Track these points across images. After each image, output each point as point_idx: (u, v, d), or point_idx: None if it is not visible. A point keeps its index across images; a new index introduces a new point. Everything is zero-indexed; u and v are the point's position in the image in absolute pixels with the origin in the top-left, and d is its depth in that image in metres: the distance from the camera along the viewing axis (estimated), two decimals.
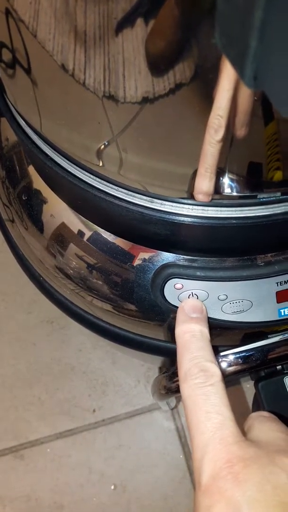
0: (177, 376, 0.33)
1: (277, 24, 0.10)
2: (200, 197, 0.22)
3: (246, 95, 0.19)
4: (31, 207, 0.36)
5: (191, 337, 0.23)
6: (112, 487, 0.52)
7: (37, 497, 0.52)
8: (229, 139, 0.24)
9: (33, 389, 0.56)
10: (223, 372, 0.31)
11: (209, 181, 0.21)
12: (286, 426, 0.35)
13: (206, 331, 0.23)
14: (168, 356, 0.38)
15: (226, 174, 0.25)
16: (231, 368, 0.31)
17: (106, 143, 0.26)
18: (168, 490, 0.51)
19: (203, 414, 0.20)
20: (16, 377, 0.56)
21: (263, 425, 0.22)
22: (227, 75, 0.17)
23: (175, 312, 0.31)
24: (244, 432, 0.21)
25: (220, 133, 0.18)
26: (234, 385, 0.56)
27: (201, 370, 0.21)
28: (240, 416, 0.55)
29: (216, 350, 0.27)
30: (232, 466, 0.19)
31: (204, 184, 0.21)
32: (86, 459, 0.53)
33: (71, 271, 0.35)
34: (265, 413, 0.24)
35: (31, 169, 0.36)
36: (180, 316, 0.24)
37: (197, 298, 0.30)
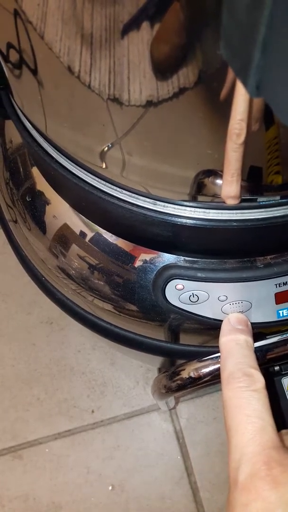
0: (177, 375, 0.33)
1: (279, 38, 0.11)
2: (230, 201, 0.23)
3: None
4: (34, 208, 0.36)
5: (235, 344, 0.23)
6: (110, 487, 0.52)
7: (35, 497, 0.52)
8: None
9: (32, 389, 0.56)
10: None
11: (236, 185, 0.21)
12: (285, 426, 0.36)
13: (251, 341, 0.24)
14: (167, 356, 0.38)
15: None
16: None
17: (110, 145, 0.26)
18: (165, 490, 0.52)
19: (244, 417, 0.21)
20: (15, 377, 0.57)
21: None
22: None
23: (176, 312, 0.31)
24: (282, 441, 0.22)
25: (242, 137, 0.18)
26: None
27: (245, 374, 0.22)
28: None
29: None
30: (271, 469, 0.19)
31: (232, 189, 0.22)
32: (84, 459, 0.53)
33: (73, 272, 0.36)
34: None
35: (34, 171, 0.37)
36: (225, 327, 0.24)
37: (198, 299, 0.30)
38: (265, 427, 0.21)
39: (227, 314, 0.30)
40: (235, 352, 0.23)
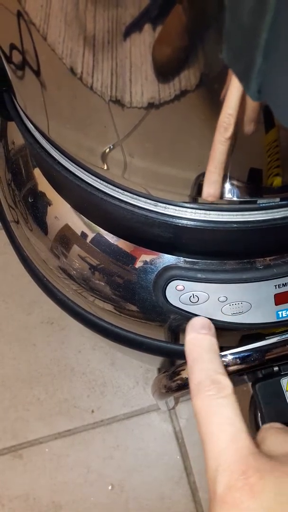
0: (177, 375, 0.34)
1: (281, 43, 0.11)
2: (209, 193, 0.23)
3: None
4: (36, 209, 0.37)
5: (201, 349, 0.23)
6: (110, 487, 0.52)
7: (35, 496, 0.52)
8: (231, 145, 0.24)
9: (33, 389, 0.56)
10: None
11: (217, 178, 0.21)
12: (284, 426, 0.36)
13: (215, 345, 0.24)
14: (167, 357, 0.39)
15: (228, 180, 0.25)
16: (230, 368, 0.32)
17: (112, 147, 0.26)
18: (165, 490, 0.52)
19: (216, 426, 0.21)
20: (16, 377, 0.57)
21: (276, 437, 0.22)
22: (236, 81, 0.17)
23: (176, 313, 0.31)
24: (257, 444, 0.21)
25: (230, 131, 0.19)
26: None
27: (213, 382, 0.22)
28: None
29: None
30: (248, 477, 0.19)
31: (213, 181, 0.22)
32: (84, 459, 0.53)
33: (74, 272, 0.36)
34: (278, 425, 0.24)
35: (36, 172, 0.37)
36: (189, 333, 0.24)
37: (198, 299, 0.30)
38: (238, 434, 0.21)
39: (227, 315, 0.31)
40: (201, 358, 0.23)
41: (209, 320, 0.24)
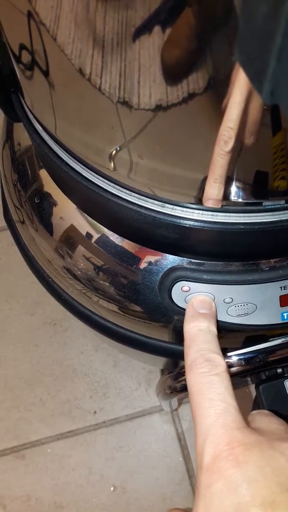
0: (182, 376, 0.34)
1: None
2: (210, 203, 0.23)
3: (256, 107, 0.20)
4: (42, 209, 0.37)
5: (198, 331, 0.24)
6: (112, 488, 0.52)
7: (37, 497, 0.52)
8: (237, 149, 0.25)
9: (35, 390, 0.56)
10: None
11: (218, 190, 0.22)
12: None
13: (213, 326, 0.24)
14: (172, 357, 0.39)
15: (234, 182, 0.26)
16: (234, 369, 0.32)
17: (120, 148, 0.27)
18: (167, 492, 0.52)
19: (207, 401, 0.21)
20: (18, 378, 0.57)
21: (264, 418, 0.23)
22: (239, 89, 0.18)
23: (182, 314, 0.32)
24: (247, 422, 0.22)
25: (230, 144, 0.19)
26: (234, 390, 0.57)
27: (207, 360, 0.22)
28: None
29: (224, 352, 0.28)
30: (233, 448, 0.19)
31: (213, 193, 0.22)
32: (86, 460, 0.53)
33: (79, 272, 0.36)
34: (265, 411, 0.25)
35: (42, 173, 0.37)
36: (189, 311, 0.25)
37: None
38: (228, 409, 0.21)
39: (233, 316, 0.31)
40: (198, 339, 0.24)
41: (210, 299, 0.25)
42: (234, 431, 0.20)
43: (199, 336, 0.23)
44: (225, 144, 0.18)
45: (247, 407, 0.51)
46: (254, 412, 0.24)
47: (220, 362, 0.22)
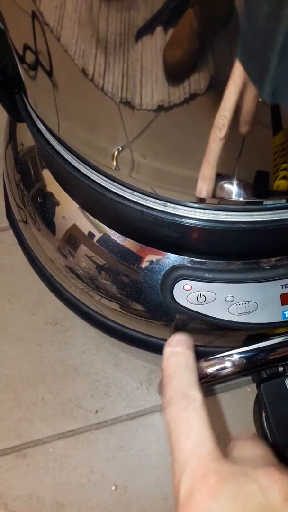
0: None
1: None
2: (202, 188, 0.24)
3: (250, 99, 0.20)
4: (44, 209, 0.37)
5: (176, 368, 0.24)
6: (113, 487, 0.52)
7: (38, 496, 0.52)
8: (238, 147, 0.25)
9: (37, 389, 0.57)
10: (228, 371, 0.32)
11: (211, 174, 0.22)
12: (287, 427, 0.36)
13: (191, 362, 0.24)
14: None
15: (236, 181, 0.26)
16: (235, 368, 0.32)
17: (122, 148, 0.27)
18: (168, 491, 0.52)
19: (183, 436, 0.21)
20: (20, 377, 0.57)
21: (245, 445, 0.23)
22: (234, 80, 0.18)
23: (184, 312, 0.32)
24: (225, 452, 0.22)
25: (224, 131, 0.20)
26: (235, 389, 0.57)
27: (184, 396, 0.22)
28: (241, 419, 0.56)
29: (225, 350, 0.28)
30: (208, 480, 0.19)
31: (206, 177, 0.23)
32: (88, 459, 0.54)
33: (82, 271, 0.36)
34: (248, 435, 0.25)
35: (45, 173, 0.38)
36: (167, 350, 0.25)
37: (205, 299, 0.31)
38: (203, 441, 0.21)
39: (234, 314, 0.31)
40: (175, 376, 0.24)
41: (186, 337, 0.25)
42: (209, 462, 0.20)
43: (176, 374, 0.24)
44: (220, 131, 0.19)
45: (248, 407, 0.51)
46: (236, 437, 0.25)
47: (197, 396, 0.22)
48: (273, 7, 0.11)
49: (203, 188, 0.24)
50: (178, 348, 0.25)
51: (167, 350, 0.25)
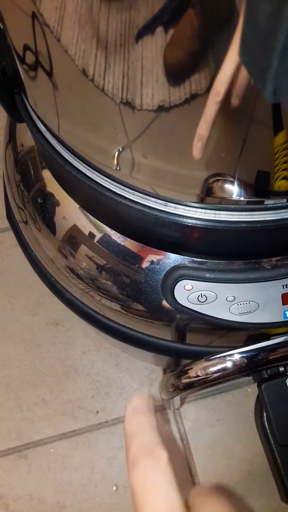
0: (185, 374, 0.34)
1: None
2: (196, 146, 0.24)
3: (243, 76, 0.21)
4: (45, 209, 0.37)
5: (138, 427, 0.24)
6: (114, 487, 0.52)
7: (40, 497, 0.52)
8: (239, 147, 0.25)
9: (38, 390, 0.57)
10: (229, 370, 0.32)
11: (205, 134, 0.23)
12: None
13: (154, 421, 0.24)
14: (174, 356, 0.39)
15: (237, 181, 0.26)
16: (237, 367, 0.32)
17: (123, 148, 0.27)
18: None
19: (151, 504, 0.21)
20: (20, 378, 0.57)
21: (206, 502, 0.23)
22: (232, 56, 0.19)
23: (185, 312, 0.32)
24: (188, 506, 0.22)
25: (220, 97, 0.21)
26: (236, 389, 0.57)
27: (149, 453, 0.22)
28: (242, 419, 0.55)
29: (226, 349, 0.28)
30: None
31: (201, 136, 0.24)
32: (89, 459, 0.54)
33: (82, 272, 0.36)
34: (205, 490, 0.25)
35: (45, 173, 0.37)
36: (128, 411, 0.25)
37: (206, 299, 0.31)
38: (171, 508, 0.21)
39: (235, 314, 0.31)
40: (138, 434, 0.24)
41: (148, 397, 0.25)
42: None
43: (139, 432, 0.23)
44: (217, 95, 0.20)
45: (249, 407, 0.51)
46: (193, 492, 0.25)
47: (162, 454, 0.22)
48: (275, 6, 0.11)
49: (198, 146, 0.24)
50: (140, 409, 0.25)
51: (129, 410, 0.25)
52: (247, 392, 0.57)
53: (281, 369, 0.37)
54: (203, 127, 0.23)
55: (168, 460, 0.22)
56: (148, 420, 0.24)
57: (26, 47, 0.28)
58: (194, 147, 0.24)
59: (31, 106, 0.32)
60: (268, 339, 0.34)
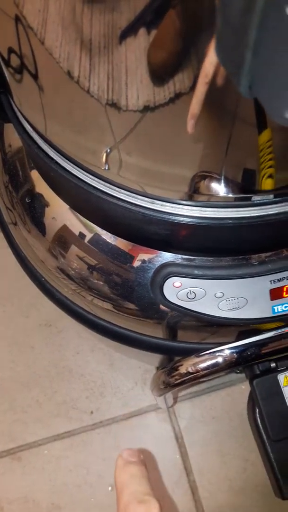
0: (176, 371, 0.34)
1: (268, 42, 0.12)
2: (190, 123, 0.24)
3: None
4: (34, 210, 0.37)
5: (129, 476, 0.24)
6: (110, 488, 0.52)
7: (34, 499, 0.52)
8: (225, 145, 0.25)
9: (31, 391, 0.56)
10: (219, 366, 0.32)
11: (197, 112, 0.24)
12: (284, 423, 0.36)
13: (144, 471, 0.24)
14: (166, 354, 0.39)
15: (222, 179, 0.26)
16: (227, 363, 0.32)
17: (110, 147, 0.27)
18: (164, 490, 0.52)
19: None
20: (14, 379, 0.57)
21: None
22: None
23: (174, 309, 0.32)
24: None
25: (208, 78, 0.21)
26: (230, 386, 0.57)
27: (141, 502, 0.22)
28: (237, 416, 0.56)
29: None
30: None
31: (193, 114, 0.24)
32: (83, 460, 0.54)
33: (73, 272, 0.37)
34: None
35: (33, 174, 0.38)
36: (118, 462, 0.25)
37: (195, 295, 0.31)
38: None
39: (224, 310, 0.31)
40: (130, 483, 0.24)
41: (138, 451, 0.26)
42: None
43: (131, 481, 0.24)
44: (206, 76, 0.21)
45: (243, 404, 0.51)
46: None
47: (154, 503, 0.22)
48: (245, 3, 0.12)
49: (191, 123, 0.24)
50: (131, 459, 0.25)
51: (120, 462, 0.25)
52: (241, 390, 0.57)
53: (273, 365, 0.38)
54: (195, 106, 0.24)
55: (160, 509, 0.22)
56: (139, 470, 0.24)
57: (10, 50, 0.28)
58: (188, 124, 0.24)
59: (17, 107, 0.32)
60: (259, 333, 0.34)
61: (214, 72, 0.20)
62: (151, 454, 0.52)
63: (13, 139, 0.40)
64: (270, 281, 0.30)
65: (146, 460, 0.25)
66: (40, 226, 0.37)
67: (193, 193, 0.27)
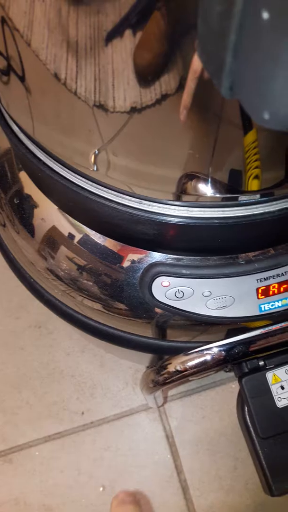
0: (165, 369, 0.34)
1: (247, 45, 0.12)
2: (182, 113, 0.25)
3: None
4: (23, 211, 0.37)
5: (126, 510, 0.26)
6: (101, 488, 0.52)
7: (26, 500, 0.52)
8: (211, 147, 0.26)
9: (22, 393, 0.56)
10: (207, 364, 0.33)
11: (188, 104, 0.24)
12: (273, 420, 0.37)
13: (138, 510, 0.27)
14: (155, 353, 0.39)
15: (209, 178, 0.26)
16: (215, 360, 0.33)
17: (97, 148, 0.27)
18: (156, 489, 0.52)
19: None
20: (4, 381, 0.57)
21: None
22: None
23: (162, 308, 0.32)
24: None
25: (197, 73, 0.22)
26: (220, 386, 0.57)
27: None
28: (227, 416, 0.56)
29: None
30: None
31: (184, 106, 0.25)
32: (75, 461, 0.53)
33: (62, 273, 0.37)
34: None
35: (22, 175, 0.38)
36: (113, 503, 0.28)
37: (183, 295, 0.31)
38: None
39: (212, 309, 0.32)
40: None
41: (132, 492, 0.28)
42: None
43: None
44: (195, 71, 0.21)
45: (233, 403, 0.51)
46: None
47: None
48: (225, 5, 0.12)
49: (184, 113, 0.25)
50: (126, 500, 0.27)
51: (115, 502, 0.27)
52: (231, 389, 0.57)
53: (261, 363, 0.38)
54: (186, 98, 0.24)
55: None
56: (134, 509, 0.26)
57: None
58: (180, 114, 0.24)
59: (4, 108, 0.32)
60: (247, 331, 0.34)
61: (201, 70, 0.20)
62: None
63: (1, 140, 0.39)
64: (257, 279, 0.31)
65: (142, 502, 0.28)
66: (29, 227, 0.37)
67: (181, 193, 0.27)
